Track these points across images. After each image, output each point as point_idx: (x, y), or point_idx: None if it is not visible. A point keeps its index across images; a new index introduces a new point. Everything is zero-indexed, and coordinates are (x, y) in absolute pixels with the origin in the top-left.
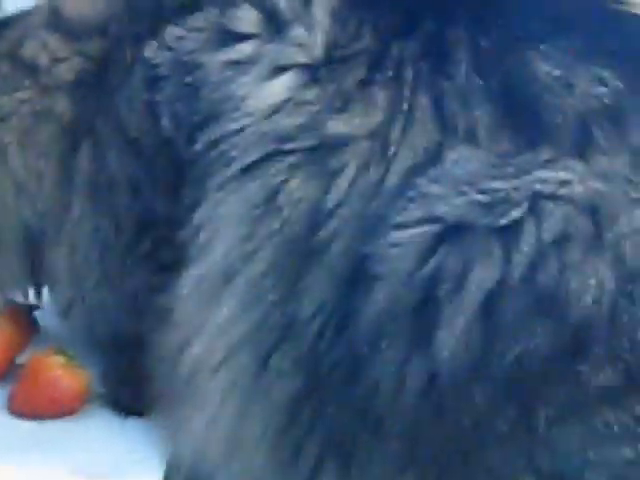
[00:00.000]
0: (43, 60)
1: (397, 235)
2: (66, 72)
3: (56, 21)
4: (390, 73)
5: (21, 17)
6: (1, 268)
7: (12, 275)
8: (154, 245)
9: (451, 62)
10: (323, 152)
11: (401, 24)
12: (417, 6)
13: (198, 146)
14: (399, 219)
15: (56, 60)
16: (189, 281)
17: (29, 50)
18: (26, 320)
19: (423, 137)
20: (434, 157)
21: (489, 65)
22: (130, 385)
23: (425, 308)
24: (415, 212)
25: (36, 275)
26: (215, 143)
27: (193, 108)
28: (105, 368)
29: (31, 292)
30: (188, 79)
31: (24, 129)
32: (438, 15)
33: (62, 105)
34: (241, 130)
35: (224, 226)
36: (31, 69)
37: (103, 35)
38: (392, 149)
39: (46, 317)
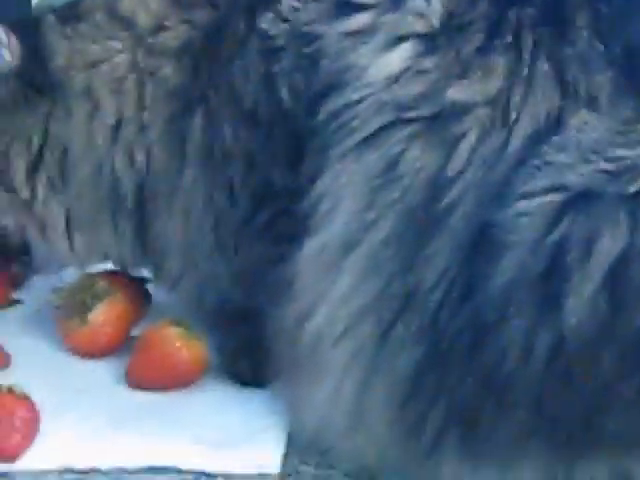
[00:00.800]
0: (142, 17)
1: (524, 204)
2: (171, 39)
3: None
4: (509, 39)
5: None
6: (107, 230)
7: (118, 241)
8: (271, 217)
9: (571, 27)
10: (443, 120)
11: None
12: None
13: (319, 117)
14: (526, 188)
15: (161, 27)
16: (310, 252)
17: (126, 5)
18: (139, 292)
19: (544, 103)
20: (556, 123)
21: (610, 31)
22: (247, 356)
23: (553, 276)
24: (542, 180)
25: (144, 243)
26: (336, 114)
27: (312, 79)
28: (221, 339)
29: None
30: (306, 50)
31: (117, 77)
32: None
33: (167, 69)
34: (361, 100)
35: (345, 196)
36: (127, 22)
37: (213, 5)
38: (513, 115)
39: (155, 290)
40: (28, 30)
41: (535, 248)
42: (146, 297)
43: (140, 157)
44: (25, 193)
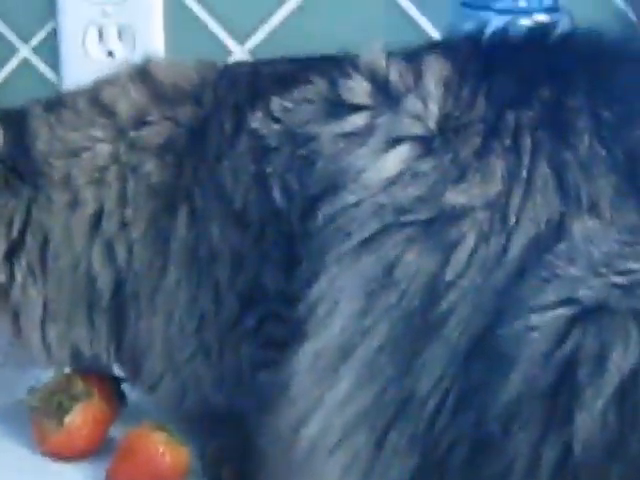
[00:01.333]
0: (122, 106)
1: (534, 318)
2: (154, 135)
3: (143, 77)
4: (507, 142)
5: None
6: (81, 325)
7: (93, 337)
8: (260, 321)
9: (572, 131)
10: (441, 223)
11: (516, 92)
12: (532, 74)
13: (315, 220)
14: (535, 301)
15: (143, 122)
16: (306, 357)
17: (108, 93)
18: (115, 393)
19: (544, 207)
20: (557, 228)
21: (612, 136)
22: (230, 462)
23: (562, 390)
24: (552, 294)
25: (120, 341)
26: (332, 217)
27: (306, 180)
28: (202, 444)
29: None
30: (300, 151)
31: (98, 167)
32: (555, 84)
33: (149, 166)
34: (358, 203)
35: (341, 300)
36: (107, 110)
37: (196, 103)
38: (512, 219)
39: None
40: (15, 119)
41: (544, 362)
42: (121, 398)
43: (121, 254)
44: (0, 276)
